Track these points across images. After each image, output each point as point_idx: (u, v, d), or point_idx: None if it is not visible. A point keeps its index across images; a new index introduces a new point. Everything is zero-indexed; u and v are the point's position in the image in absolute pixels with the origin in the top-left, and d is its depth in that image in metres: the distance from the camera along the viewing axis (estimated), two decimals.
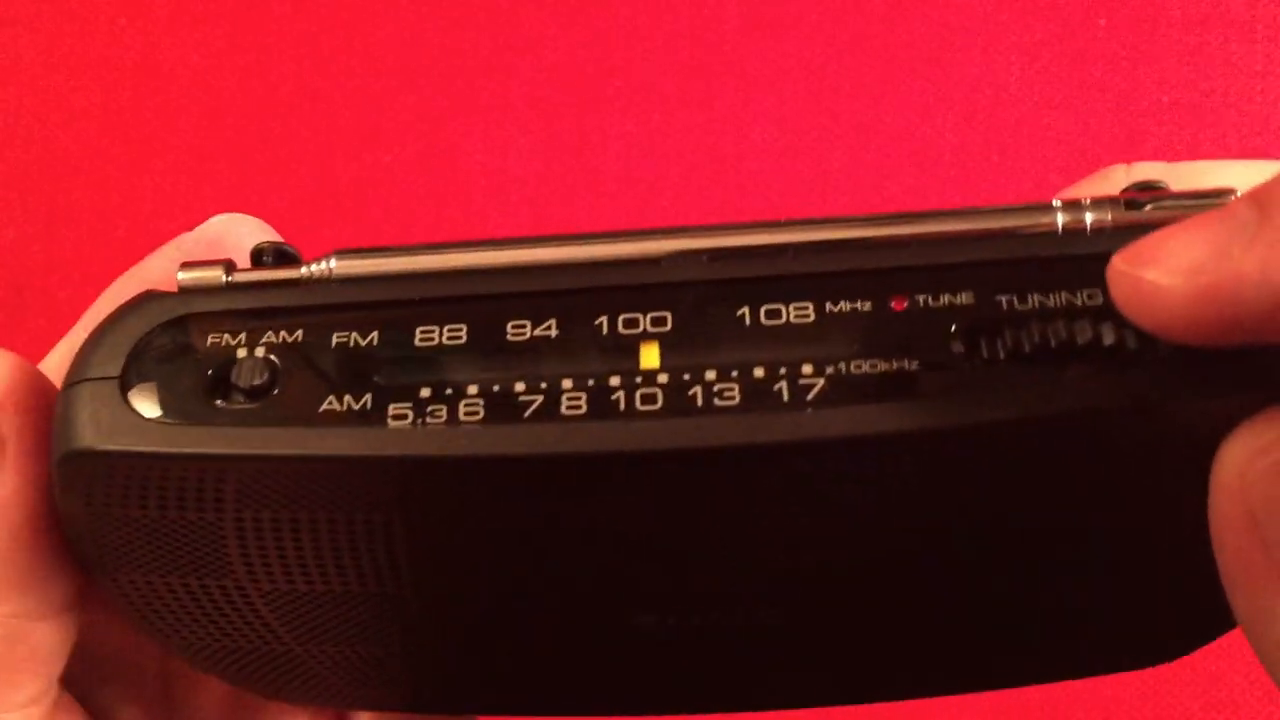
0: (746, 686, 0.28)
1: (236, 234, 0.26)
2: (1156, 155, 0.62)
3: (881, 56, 0.65)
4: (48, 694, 0.25)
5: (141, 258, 0.26)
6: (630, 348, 0.21)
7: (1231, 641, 0.28)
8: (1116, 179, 0.24)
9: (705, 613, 0.24)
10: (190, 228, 0.27)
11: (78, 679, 0.26)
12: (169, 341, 0.22)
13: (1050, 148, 0.63)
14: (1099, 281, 0.20)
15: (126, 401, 0.21)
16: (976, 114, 0.64)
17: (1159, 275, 0.18)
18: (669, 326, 0.21)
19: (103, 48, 0.65)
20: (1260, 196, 0.18)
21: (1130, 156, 0.64)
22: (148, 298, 0.22)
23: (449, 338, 0.21)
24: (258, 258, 0.23)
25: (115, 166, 0.63)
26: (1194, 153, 0.62)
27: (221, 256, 0.23)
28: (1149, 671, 0.29)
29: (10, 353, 0.23)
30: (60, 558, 0.23)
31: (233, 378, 0.21)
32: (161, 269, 0.25)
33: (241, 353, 0.21)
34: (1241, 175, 0.23)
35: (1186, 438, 0.20)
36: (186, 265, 0.23)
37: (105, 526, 0.22)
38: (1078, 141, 0.63)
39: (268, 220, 0.27)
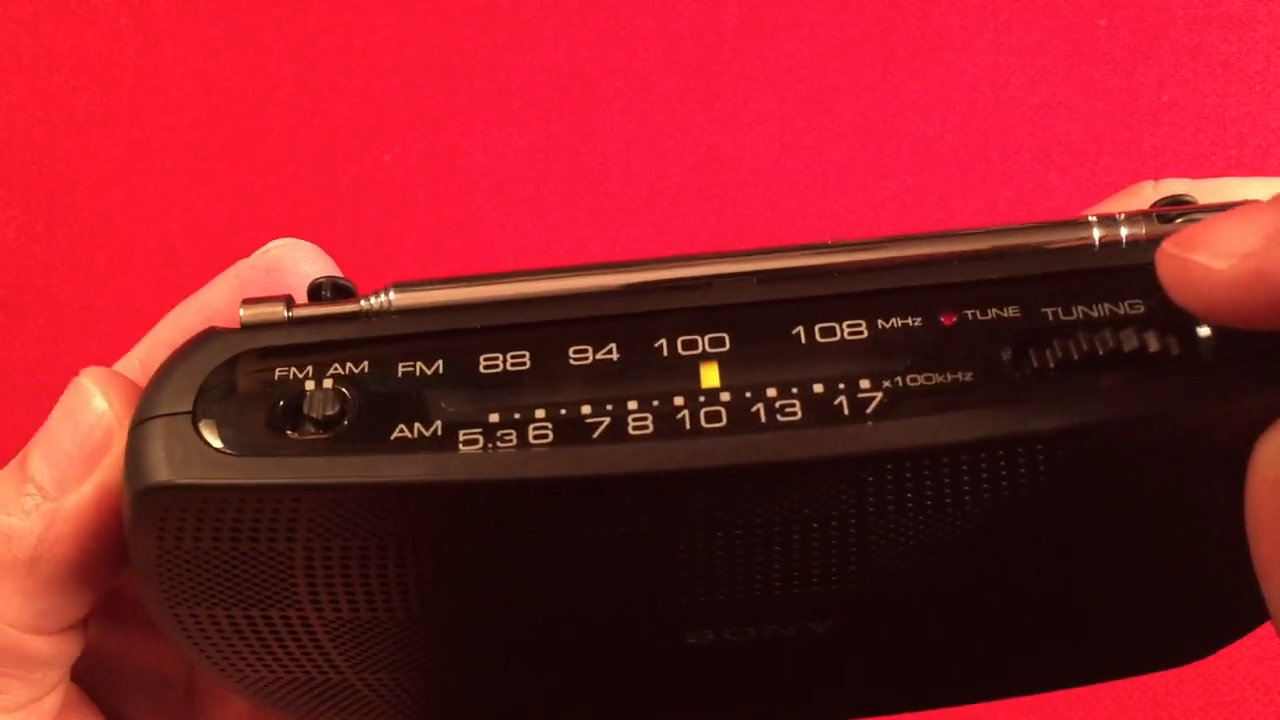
0: (788, 698, 0.28)
1: (293, 259, 0.26)
2: (1156, 155, 0.63)
3: (881, 56, 0.65)
4: (42, 701, 0.25)
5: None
6: (690, 368, 0.21)
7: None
8: (1145, 195, 0.25)
9: (761, 625, 0.25)
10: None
11: (103, 688, 0.27)
12: (236, 376, 0.22)
13: (1050, 148, 0.64)
14: (1139, 291, 0.21)
15: (200, 435, 0.21)
16: (976, 114, 0.64)
17: (1208, 258, 0.19)
18: (727, 347, 0.22)
19: (103, 48, 0.65)
20: None
21: (1130, 156, 0.64)
22: (211, 334, 0.23)
23: (513, 364, 0.22)
24: (315, 292, 0.24)
25: (115, 166, 0.63)
26: (1194, 152, 0.63)
27: (279, 281, 0.24)
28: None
29: (115, 372, 0.23)
30: (78, 584, 0.23)
31: (304, 409, 0.21)
32: (221, 297, 0.25)
33: (310, 385, 0.22)
34: (1264, 191, 0.24)
35: (1226, 435, 0.20)
36: (248, 302, 0.23)
37: (173, 562, 0.22)
38: (1078, 141, 0.64)
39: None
